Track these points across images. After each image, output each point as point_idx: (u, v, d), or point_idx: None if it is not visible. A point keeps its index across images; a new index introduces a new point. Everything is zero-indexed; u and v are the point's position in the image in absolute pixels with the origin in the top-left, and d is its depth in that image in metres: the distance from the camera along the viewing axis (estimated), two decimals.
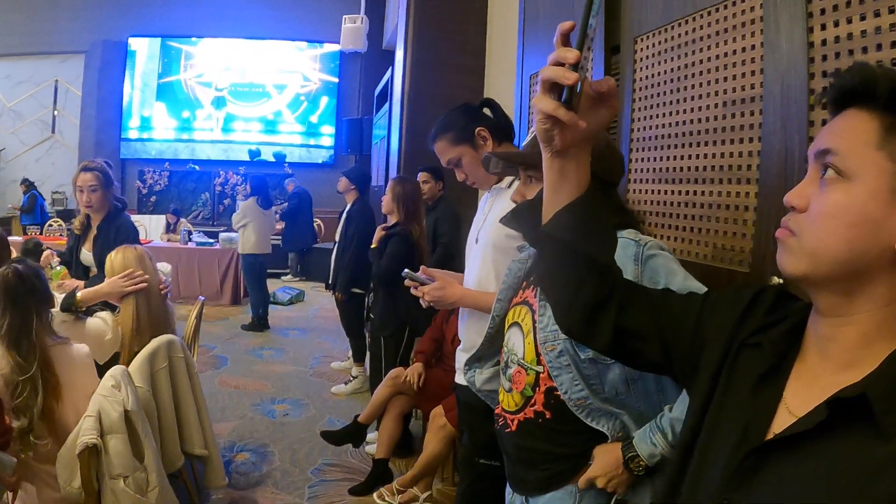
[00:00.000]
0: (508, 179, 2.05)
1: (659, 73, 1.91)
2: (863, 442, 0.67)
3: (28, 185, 10.08)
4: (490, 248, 2.04)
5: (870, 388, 0.67)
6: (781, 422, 0.77)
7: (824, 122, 1.30)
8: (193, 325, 3.37)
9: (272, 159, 11.64)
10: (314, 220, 9.99)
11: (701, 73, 1.71)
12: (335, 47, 10.77)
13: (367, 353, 4.62)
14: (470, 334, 2.10)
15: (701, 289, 1.26)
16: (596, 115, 0.86)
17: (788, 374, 0.81)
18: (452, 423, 2.95)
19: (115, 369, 2.26)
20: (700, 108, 1.71)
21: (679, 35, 1.81)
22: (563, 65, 0.80)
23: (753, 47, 1.52)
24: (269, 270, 6.92)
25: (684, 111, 1.78)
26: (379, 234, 3.83)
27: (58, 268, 3.12)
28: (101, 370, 2.41)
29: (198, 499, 2.97)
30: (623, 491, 1.35)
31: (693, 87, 1.74)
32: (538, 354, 1.41)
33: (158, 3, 11.34)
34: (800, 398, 0.77)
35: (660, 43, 1.91)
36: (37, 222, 9.72)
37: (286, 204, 9.41)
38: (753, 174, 1.51)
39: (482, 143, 2.10)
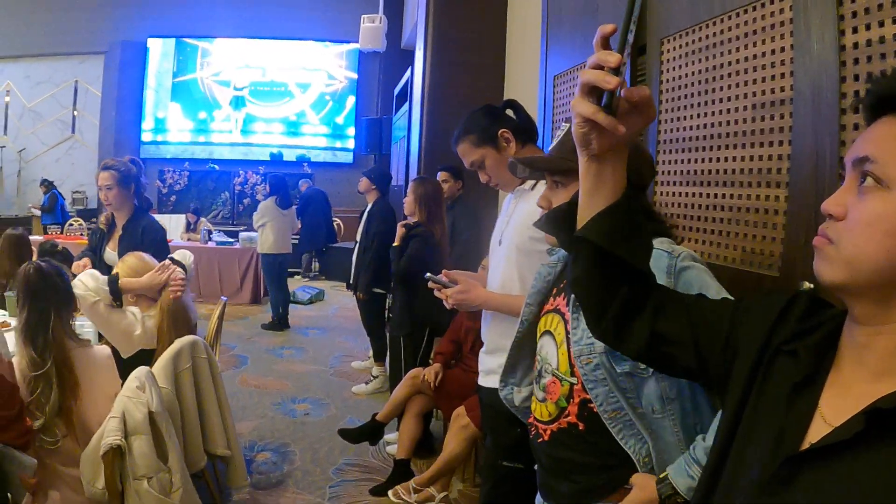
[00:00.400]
0: (532, 182, 2.04)
1: (686, 75, 1.90)
2: None
3: (48, 186, 10.18)
4: (514, 250, 2.03)
5: None
6: (817, 431, 0.76)
7: (856, 126, 1.29)
8: (216, 325, 3.39)
9: (294, 159, 11.54)
10: (334, 219, 10.00)
11: (729, 74, 1.70)
12: (355, 46, 10.73)
13: (388, 353, 4.64)
14: (493, 336, 2.10)
15: None
16: (632, 121, 0.85)
17: (824, 382, 0.80)
18: (475, 422, 2.94)
19: (140, 370, 2.28)
20: (729, 111, 1.70)
21: (707, 36, 1.80)
22: (602, 68, 0.79)
23: (783, 49, 1.50)
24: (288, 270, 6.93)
25: (712, 113, 1.77)
26: (400, 231, 3.82)
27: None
28: (124, 365, 2.46)
29: (220, 498, 2.99)
30: None
31: (721, 88, 1.73)
32: (572, 366, 1.39)
33: (177, 4, 11.41)
34: (835, 407, 0.76)
35: (687, 44, 1.90)
36: (57, 222, 9.80)
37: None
38: (783, 177, 1.50)
39: (505, 145, 2.10)
